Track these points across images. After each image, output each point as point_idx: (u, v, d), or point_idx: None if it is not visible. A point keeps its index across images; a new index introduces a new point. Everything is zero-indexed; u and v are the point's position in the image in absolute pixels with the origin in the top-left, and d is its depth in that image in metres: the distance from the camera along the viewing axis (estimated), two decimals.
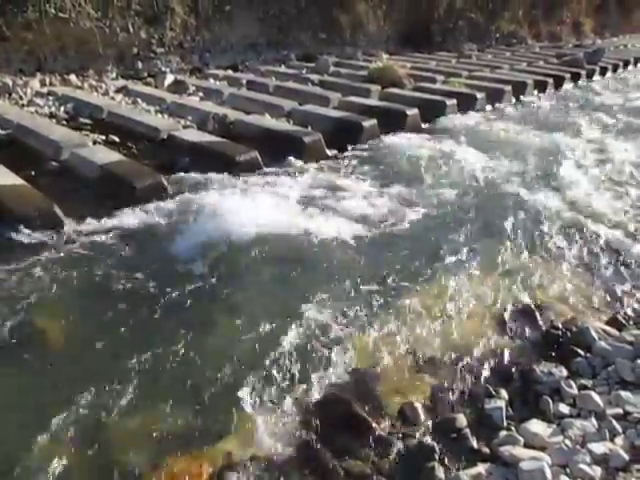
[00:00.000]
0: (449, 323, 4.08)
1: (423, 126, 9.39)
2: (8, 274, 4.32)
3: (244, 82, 11.39)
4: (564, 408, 3.30)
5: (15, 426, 2.98)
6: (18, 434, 2.93)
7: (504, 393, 3.43)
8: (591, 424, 3.12)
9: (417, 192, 6.46)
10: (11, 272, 4.35)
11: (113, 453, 2.89)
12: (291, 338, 3.76)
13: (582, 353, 3.78)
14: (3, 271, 4.36)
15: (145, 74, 11.57)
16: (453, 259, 4.98)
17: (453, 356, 3.74)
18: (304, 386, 3.36)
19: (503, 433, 3.11)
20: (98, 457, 2.87)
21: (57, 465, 2.79)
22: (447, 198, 6.33)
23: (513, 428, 3.16)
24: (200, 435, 3.01)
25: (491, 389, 3.45)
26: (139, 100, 9.57)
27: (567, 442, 2.99)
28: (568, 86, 13.97)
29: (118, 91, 10.13)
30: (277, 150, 7.33)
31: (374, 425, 3.11)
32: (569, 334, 3.98)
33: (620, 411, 3.20)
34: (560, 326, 4.09)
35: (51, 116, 8.40)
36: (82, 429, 3.00)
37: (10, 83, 9.51)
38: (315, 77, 12.08)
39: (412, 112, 9.30)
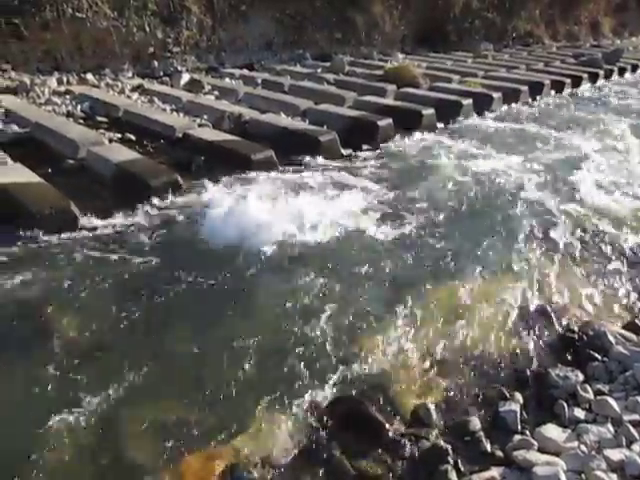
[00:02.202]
0: (463, 325, 4.04)
1: (439, 126, 9.35)
2: (25, 271, 4.37)
3: (259, 81, 11.43)
4: (580, 413, 3.26)
5: (33, 421, 3.00)
6: (35, 429, 2.95)
7: (519, 396, 3.40)
8: (607, 430, 3.08)
9: (432, 192, 6.43)
10: (27, 269, 4.40)
11: (127, 448, 2.91)
12: (305, 337, 3.77)
13: (599, 357, 3.74)
14: (20, 268, 4.40)
15: (161, 73, 11.66)
16: (468, 260, 4.95)
17: (467, 358, 3.71)
18: (317, 386, 3.35)
19: (517, 437, 3.08)
20: (112, 452, 2.89)
21: (72, 460, 2.82)
22: (462, 199, 6.30)
23: (527, 432, 3.13)
24: (212, 432, 3.01)
25: (505, 392, 3.42)
26: (155, 99, 9.65)
27: (582, 448, 2.95)
28: (586, 86, 13.83)
29: (134, 90, 10.21)
30: (292, 149, 7.34)
31: (387, 426, 3.09)
32: (585, 338, 3.93)
33: (637, 417, 3.15)
34: (576, 329, 4.04)
35: (68, 115, 8.50)
36: (97, 424, 3.02)
37: (28, 82, 9.62)
38: (330, 76, 12.08)
39: (428, 112, 9.26)
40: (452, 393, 3.43)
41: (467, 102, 10.22)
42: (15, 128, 7.41)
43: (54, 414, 3.04)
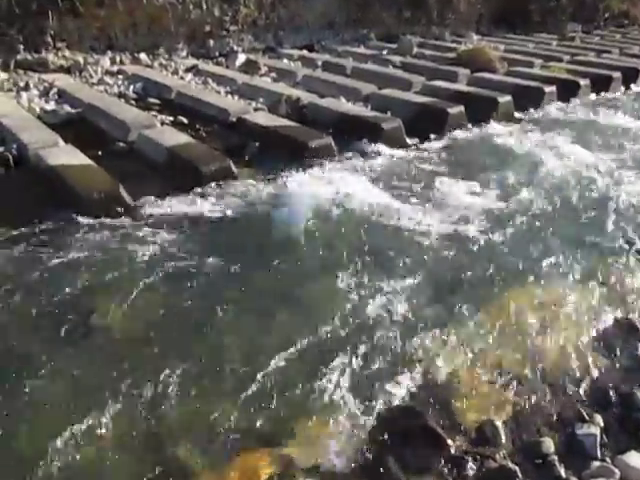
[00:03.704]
0: (539, 336, 3.94)
1: (517, 115, 9.12)
2: (72, 254, 4.56)
3: (319, 63, 11.48)
4: None
5: (74, 415, 3.13)
6: (76, 424, 3.07)
7: (599, 419, 3.28)
8: None
9: (507, 189, 6.28)
10: (74, 253, 4.59)
11: (172, 446, 2.99)
12: (365, 339, 3.77)
13: None
14: (68, 252, 4.60)
15: (216, 53, 11.91)
16: (547, 265, 4.82)
17: (542, 373, 3.62)
18: (376, 393, 3.35)
19: (596, 464, 2.99)
20: (156, 450, 2.98)
21: (114, 455, 2.92)
22: (543, 198, 6.11)
23: (608, 459, 3.03)
24: (261, 435, 3.07)
25: (584, 413, 3.32)
26: (209, 80, 9.87)
27: None
28: None
29: (188, 70, 10.48)
30: (353, 137, 7.35)
31: (449, 442, 3.06)
32: None
33: None
34: None
35: (120, 95, 8.81)
36: (140, 419, 3.12)
37: (81, 61, 10.06)
38: (397, 59, 12.00)
39: (504, 99, 9.04)
40: (523, 410, 3.35)
41: (550, 89, 9.90)
42: (68, 109, 7.75)
43: (96, 406, 3.16)
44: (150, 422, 3.11)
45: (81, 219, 5.08)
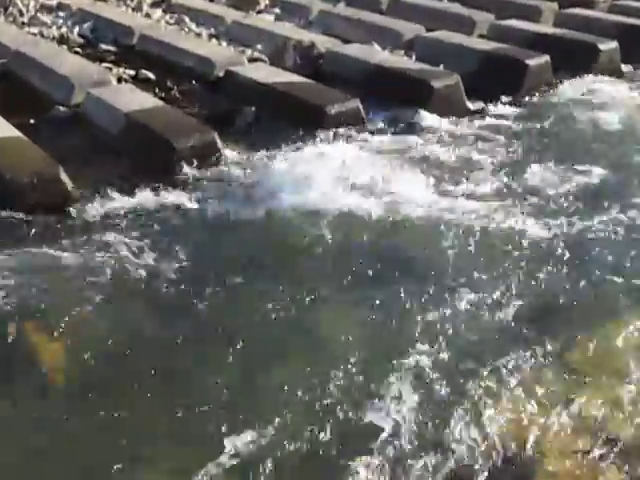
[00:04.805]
0: None
1: (625, 69, 9.13)
2: None
3: None
4: None
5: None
6: None
7: None
8: None
9: (613, 178, 6.29)
10: None
11: None
12: (407, 372, 3.83)
13: None
14: None
15: None
16: None
17: None
18: (425, 454, 3.37)
19: None
20: None
21: None
22: None
23: None
24: None
25: None
26: (185, 19, 9.94)
27: None
28: None
29: (156, 5, 10.54)
30: (389, 99, 7.41)
31: None
32: None
33: None
34: None
35: (61, 40, 8.93)
36: None
37: None
38: None
39: (608, 46, 9.04)
40: None
41: None
42: None
43: None
44: None
45: (5, 214, 5.15)
